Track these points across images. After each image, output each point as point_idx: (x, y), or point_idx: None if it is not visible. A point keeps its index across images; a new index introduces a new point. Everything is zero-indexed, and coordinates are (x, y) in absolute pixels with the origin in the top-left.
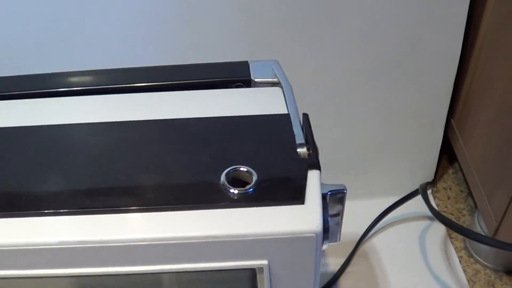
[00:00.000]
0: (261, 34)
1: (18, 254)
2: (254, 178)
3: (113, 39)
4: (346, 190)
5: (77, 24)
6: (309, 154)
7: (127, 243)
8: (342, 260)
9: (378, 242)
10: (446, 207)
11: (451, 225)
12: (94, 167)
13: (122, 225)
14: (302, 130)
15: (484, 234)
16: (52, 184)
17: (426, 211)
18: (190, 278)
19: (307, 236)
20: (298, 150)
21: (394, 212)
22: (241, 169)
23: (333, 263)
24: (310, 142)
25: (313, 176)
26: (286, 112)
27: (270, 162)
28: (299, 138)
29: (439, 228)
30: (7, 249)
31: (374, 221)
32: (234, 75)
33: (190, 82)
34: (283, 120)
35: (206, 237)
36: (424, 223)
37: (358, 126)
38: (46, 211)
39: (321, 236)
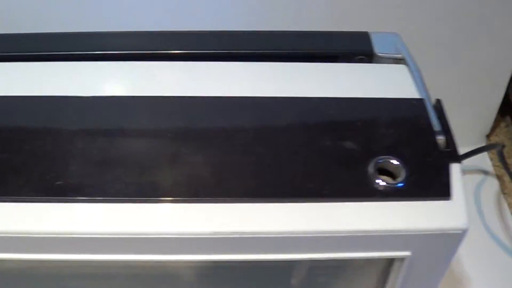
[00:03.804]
0: None
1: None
2: (404, 171)
3: None
4: None
5: None
6: (447, 143)
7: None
8: None
9: None
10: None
11: None
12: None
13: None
14: (438, 117)
15: None
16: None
17: (480, 165)
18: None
19: (455, 233)
20: (437, 139)
21: None
22: (391, 161)
23: None
24: (447, 130)
25: (455, 170)
26: (418, 95)
27: (413, 152)
28: (437, 126)
29: (493, 183)
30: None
31: None
32: (356, 48)
33: (308, 52)
34: (417, 105)
35: (354, 231)
36: (479, 177)
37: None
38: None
39: (467, 232)
